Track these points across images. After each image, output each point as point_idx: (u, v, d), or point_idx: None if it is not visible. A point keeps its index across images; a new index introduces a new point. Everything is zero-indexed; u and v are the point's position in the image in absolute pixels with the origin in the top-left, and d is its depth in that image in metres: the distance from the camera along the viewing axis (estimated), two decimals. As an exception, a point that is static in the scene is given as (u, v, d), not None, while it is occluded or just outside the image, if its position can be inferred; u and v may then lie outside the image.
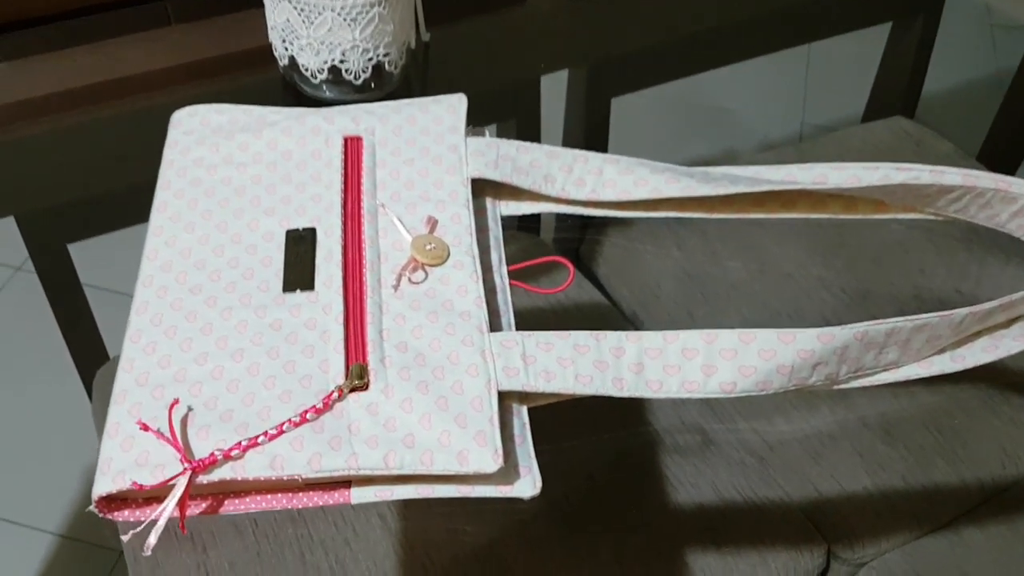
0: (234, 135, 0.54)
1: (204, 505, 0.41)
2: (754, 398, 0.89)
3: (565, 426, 0.76)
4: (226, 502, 0.41)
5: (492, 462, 0.40)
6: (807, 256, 0.96)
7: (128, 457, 0.39)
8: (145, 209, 0.55)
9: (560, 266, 0.94)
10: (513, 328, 0.48)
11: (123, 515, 0.40)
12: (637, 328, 0.92)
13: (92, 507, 0.39)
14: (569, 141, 1.01)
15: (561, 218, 1.08)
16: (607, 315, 0.91)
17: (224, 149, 0.53)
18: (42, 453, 1.06)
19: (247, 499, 0.41)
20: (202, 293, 0.46)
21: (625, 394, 0.44)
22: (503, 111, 0.88)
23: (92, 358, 0.81)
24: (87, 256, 0.80)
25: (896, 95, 1.26)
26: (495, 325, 0.47)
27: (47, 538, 0.98)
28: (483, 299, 0.46)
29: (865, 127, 1.13)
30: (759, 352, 0.44)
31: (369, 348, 0.44)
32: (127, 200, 0.75)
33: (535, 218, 1.07)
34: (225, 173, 0.52)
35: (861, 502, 0.76)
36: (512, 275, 0.51)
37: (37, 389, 1.11)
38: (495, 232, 0.53)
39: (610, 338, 0.45)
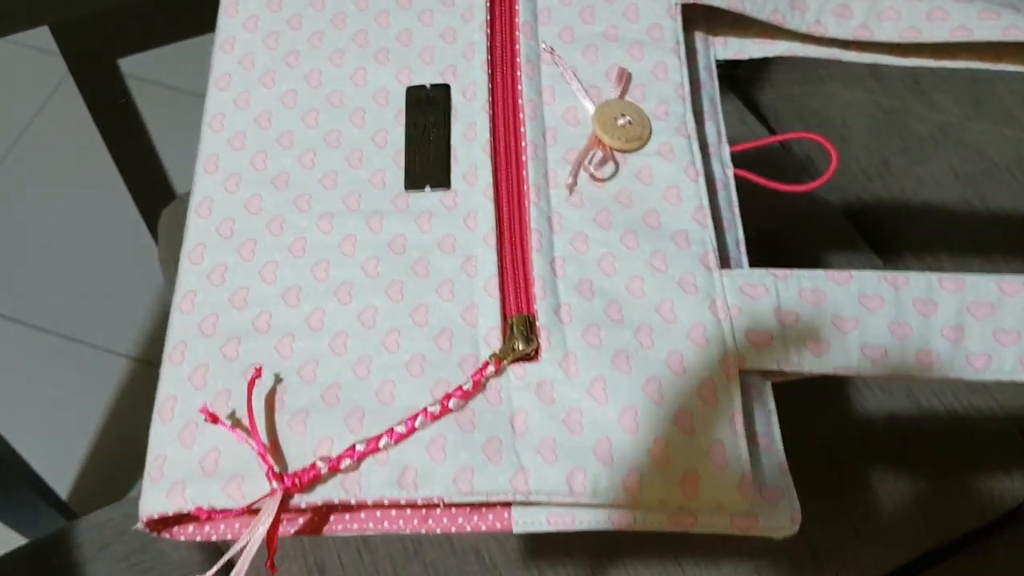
0: (326, -70, 0.36)
1: (301, 522, 0.28)
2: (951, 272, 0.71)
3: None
4: (332, 518, 0.28)
5: (737, 496, 0.25)
6: (1038, 91, 0.75)
7: (190, 457, 0.26)
8: (209, 17, 0.39)
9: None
10: (743, 252, 0.32)
11: (186, 532, 0.28)
12: (812, 177, 0.74)
13: (139, 525, 0.27)
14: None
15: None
16: (776, 159, 0.73)
17: None
18: (108, 274, 0.97)
19: (361, 515, 0.28)
20: (289, 188, 0.31)
21: (933, 375, 0.29)
22: None
23: (154, 196, 0.68)
24: (138, 61, 0.64)
25: None
26: (722, 251, 0.31)
27: (119, 360, 0.91)
28: (707, 210, 0.30)
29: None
30: None
31: (537, 289, 0.29)
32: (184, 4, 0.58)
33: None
34: None
35: (1093, 416, 0.61)
36: (735, 161, 0.34)
37: (99, 215, 1.01)
38: (709, 89, 0.35)
39: (914, 284, 0.29)
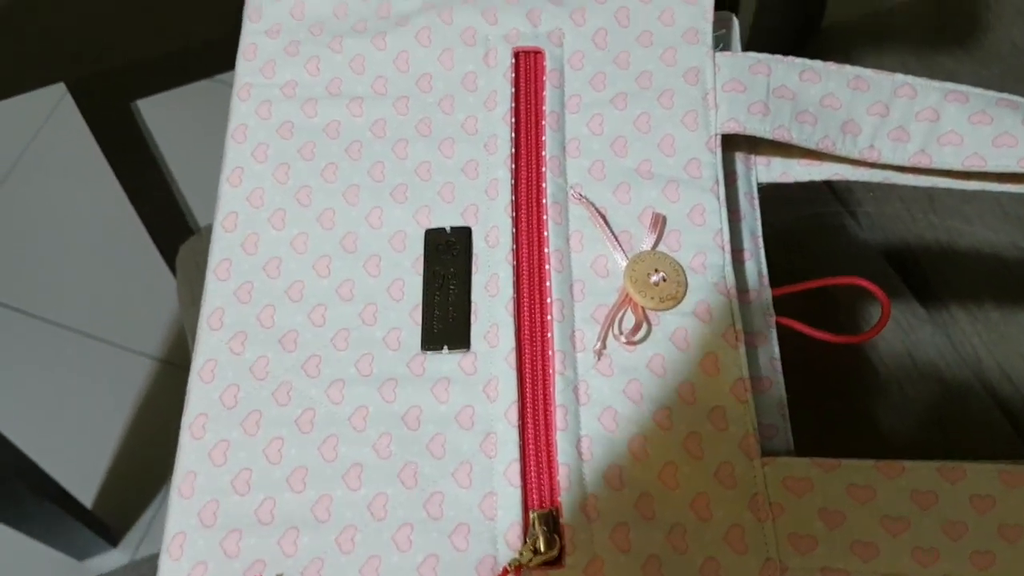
0: (343, 40, 0.34)
1: None
2: (1012, 330, 0.69)
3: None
4: None
5: None
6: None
7: None
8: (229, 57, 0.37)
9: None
10: (786, 417, 0.30)
11: None
12: (855, 222, 0.71)
13: None
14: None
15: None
16: (811, 194, 0.70)
17: (328, 67, 0.33)
18: (132, 273, 0.97)
19: None
20: (298, 349, 0.29)
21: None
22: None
23: (173, 233, 0.67)
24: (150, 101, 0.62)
25: None
26: (764, 427, 0.28)
27: (142, 360, 0.91)
28: (748, 383, 0.28)
29: None
30: None
31: (562, 478, 0.27)
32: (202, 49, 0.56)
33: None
34: (331, 114, 0.33)
35: None
36: (777, 306, 0.32)
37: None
38: (750, 221, 0.33)
39: (972, 478, 0.26)
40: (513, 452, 0.27)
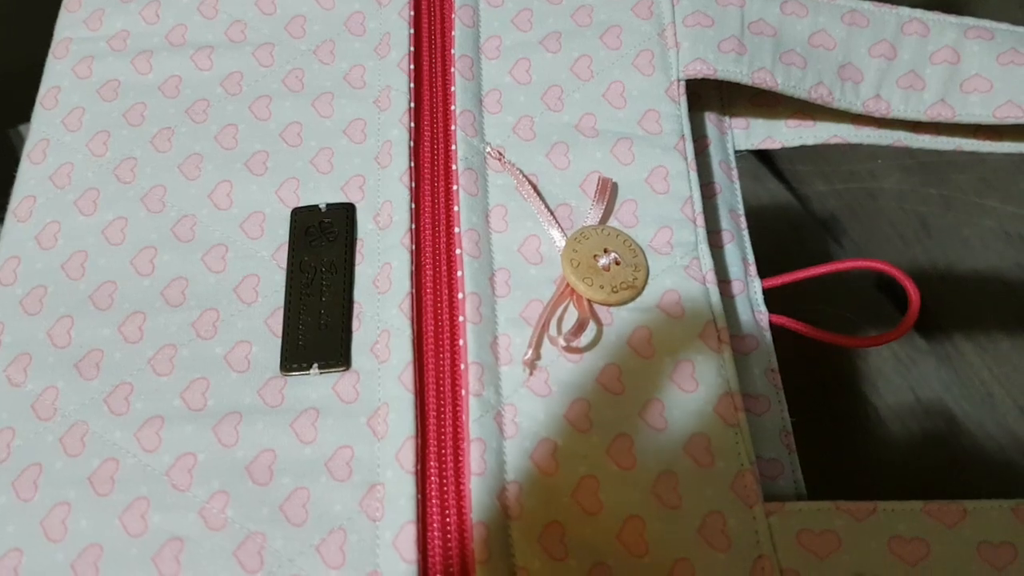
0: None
1: None
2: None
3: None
4: None
5: None
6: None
7: None
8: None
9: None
10: (791, 446, 0.21)
11: None
12: (839, 247, 0.64)
13: None
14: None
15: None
16: (793, 221, 0.63)
17: (171, 12, 0.26)
18: None
19: None
20: (100, 375, 0.21)
21: None
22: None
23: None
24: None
25: None
26: (764, 463, 0.20)
27: None
28: (739, 400, 0.20)
29: None
30: None
31: (477, 548, 0.18)
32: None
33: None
34: (169, 68, 0.25)
35: None
36: (768, 302, 0.24)
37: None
38: (728, 196, 0.25)
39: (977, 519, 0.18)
40: (408, 511, 0.19)
